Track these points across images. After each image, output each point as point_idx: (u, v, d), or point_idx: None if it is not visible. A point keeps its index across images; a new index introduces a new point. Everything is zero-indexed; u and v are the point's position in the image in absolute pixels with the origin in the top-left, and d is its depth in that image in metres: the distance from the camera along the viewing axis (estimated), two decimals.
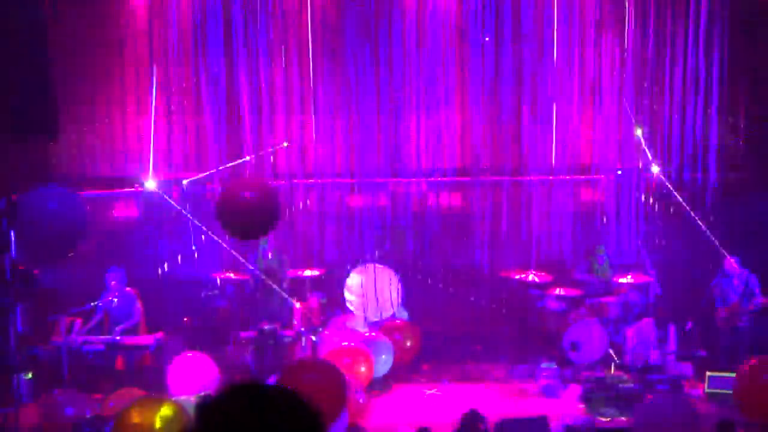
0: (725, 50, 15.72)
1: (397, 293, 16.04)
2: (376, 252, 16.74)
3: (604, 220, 16.57)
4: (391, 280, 15.97)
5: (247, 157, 16.23)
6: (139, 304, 15.17)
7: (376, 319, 15.82)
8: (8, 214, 14.48)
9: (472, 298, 17.29)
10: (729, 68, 15.83)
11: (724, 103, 15.93)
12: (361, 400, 13.81)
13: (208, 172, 16.21)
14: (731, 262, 15.51)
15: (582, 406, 14.47)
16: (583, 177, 16.60)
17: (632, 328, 15.50)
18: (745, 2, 16.09)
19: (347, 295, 16.15)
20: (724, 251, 15.70)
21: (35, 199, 12.31)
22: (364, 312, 15.84)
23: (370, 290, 15.70)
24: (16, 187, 15.25)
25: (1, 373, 14.40)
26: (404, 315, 16.53)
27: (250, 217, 12.57)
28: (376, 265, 16.05)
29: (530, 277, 16.41)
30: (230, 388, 3.18)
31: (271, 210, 12.73)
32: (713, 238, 15.60)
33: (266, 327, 15.05)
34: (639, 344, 15.21)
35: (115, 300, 14.98)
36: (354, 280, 16.16)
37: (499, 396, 15.09)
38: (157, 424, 12.35)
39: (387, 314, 15.89)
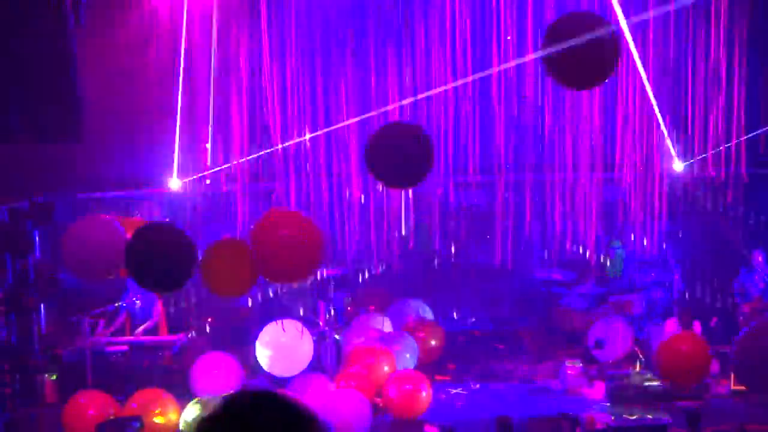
0: (746, 45, 15.64)
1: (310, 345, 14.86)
2: (399, 251, 16.74)
3: (628, 217, 16.48)
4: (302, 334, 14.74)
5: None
6: (159, 305, 15.18)
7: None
8: (33, 215, 14.61)
9: (496, 297, 17.26)
10: (750, 63, 15.74)
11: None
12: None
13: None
14: (757, 257, 15.44)
15: (607, 404, 14.41)
16: (606, 174, 16.52)
17: (657, 327, 15.42)
18: None
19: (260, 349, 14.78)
20: (750, 246, 15.62)
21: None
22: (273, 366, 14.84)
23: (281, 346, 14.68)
24: (40, 190, 15.36)
25: (25, 373, 14.49)
26: (428, 314, 16.50)
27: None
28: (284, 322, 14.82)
29: (554, 275, 16.35)
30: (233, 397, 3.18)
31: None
32: (738, 234, 15.51)
33: None
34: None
35: (138, 301, 15.01)
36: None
37: (523, 394, 15.04)
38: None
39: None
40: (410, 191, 16.30)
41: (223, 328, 16.27)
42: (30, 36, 14.69)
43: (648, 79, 15.88)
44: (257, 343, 14.60)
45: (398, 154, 11.38)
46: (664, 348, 14.13)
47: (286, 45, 16.08)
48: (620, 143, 16.33)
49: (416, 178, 11.95)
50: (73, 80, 15.32)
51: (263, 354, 14.60)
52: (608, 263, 16.60)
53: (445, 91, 16.31)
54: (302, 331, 14.52)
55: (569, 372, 15.22)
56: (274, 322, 14.72)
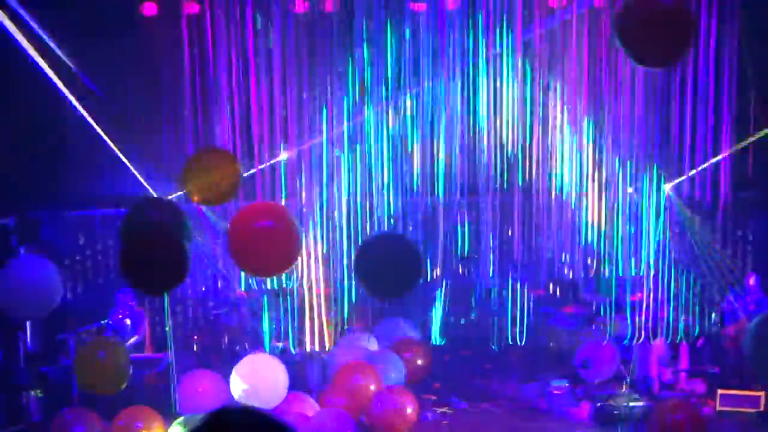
0: (735, 67, 15.67)
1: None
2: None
3: (615, 238, 16.49)
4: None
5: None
6: (146, 323, 15.16)
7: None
8: (19, 232, 14.61)
9: (483, 316, 17.25)
10: (739, 85, 15.77)
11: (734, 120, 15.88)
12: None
13: None
14: (749, 279, 15.47)
15: (593, 424, 14.42)
16: (593, 195, 16.53)
17: (644, 348, 15.46)
18: (756, 19, 16.03)
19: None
20: (742, 268, 15.65)
21: None
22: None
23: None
24: (26, 207, 15.35)
25: (11, 391, 14.45)
26: (415, 333, 16.54)
27: None
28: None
29: (541, 296, 16.36)
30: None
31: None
32: (726, 256, 15.53)
33: None
34: (650, 364, 15.15)
35: (128, 320, 14.98)
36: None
37: (509, 414, 15.04)
38: None
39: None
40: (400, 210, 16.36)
41: (210, 346, 16.23)
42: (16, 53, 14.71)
43: (636, 98, 15.94)
44: (232, 376, 14.36)
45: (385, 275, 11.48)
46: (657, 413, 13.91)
47: (275, 64, 16.08)
48: (609, 163, 16.35)
49: (404, 292, 12.04)
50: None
51: (239, 387, 14.34)
52: (600, 284, 16.60)
53: (433, 110, 16.35)
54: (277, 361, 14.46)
55: (555, 392, 15.23)
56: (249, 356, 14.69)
